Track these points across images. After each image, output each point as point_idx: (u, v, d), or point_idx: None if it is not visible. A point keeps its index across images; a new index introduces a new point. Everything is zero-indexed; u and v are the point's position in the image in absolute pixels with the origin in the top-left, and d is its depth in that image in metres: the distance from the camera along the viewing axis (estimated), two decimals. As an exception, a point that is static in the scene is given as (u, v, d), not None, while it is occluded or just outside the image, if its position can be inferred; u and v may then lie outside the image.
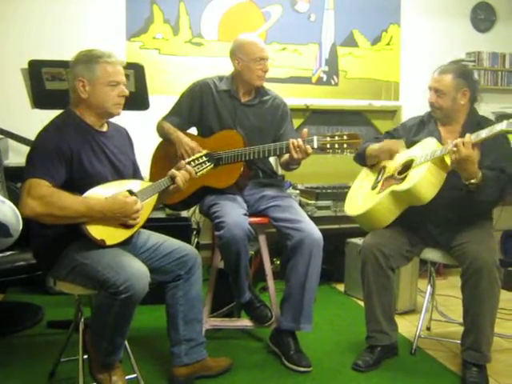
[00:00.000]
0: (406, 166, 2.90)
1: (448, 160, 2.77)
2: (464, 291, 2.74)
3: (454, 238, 2.85)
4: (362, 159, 3.18)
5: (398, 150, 2.98)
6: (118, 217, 2.32)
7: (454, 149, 2.55)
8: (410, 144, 3.00)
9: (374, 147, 3.09)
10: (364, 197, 3.04)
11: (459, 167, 2.60)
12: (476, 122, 2.89)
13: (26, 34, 4.46)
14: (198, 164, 2.65)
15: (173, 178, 2.53)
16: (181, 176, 2.54)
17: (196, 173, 2.61)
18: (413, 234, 2.96)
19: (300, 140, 2.81)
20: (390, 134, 3.18)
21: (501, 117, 5.22)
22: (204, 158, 2.68)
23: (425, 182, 2.72)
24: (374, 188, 3.01)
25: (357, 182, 3.23)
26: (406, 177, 2.83)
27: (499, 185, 2.71)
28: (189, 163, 2.62)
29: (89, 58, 2.39)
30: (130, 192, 2.41)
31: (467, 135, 2.56)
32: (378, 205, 2.88)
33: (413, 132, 3.06)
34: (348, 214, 3.10)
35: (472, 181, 2.61)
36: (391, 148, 3.01)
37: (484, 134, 2.53)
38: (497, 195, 2.74)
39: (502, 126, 2.45)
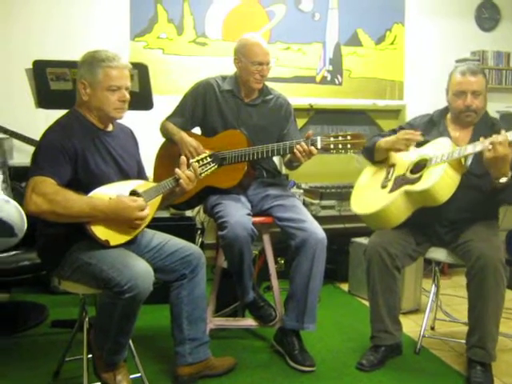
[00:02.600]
0: (419, 166, 2.87)
1: (463, 161, 2.75)
2: (469, 289, 2.73)
3: (459, 237, 2.85)
4: (370, 154, 3.14)
5: (416, 140, 2.90)
6: (121, 219, 2.32)
7: (490, 147, 2.51)
8: (419, 143, 2.97)
9: (387, 139, 3.03)
10: (374, 196, 3.00)
11: (492, 165, 2.57)
12: (490, 124, 2.88)
13: (31, 34, 4.47)
14: (203, 165, 2.63)
15: (177, 180, 2.54)
16: (185, 177, 2.53)
17: (200, 173, 2.61)
18: (419, 233, 2.95)
19: (304, 144, 2.80)
20: (396, 132, 3.12)
21: (505, 116, 5.22)
22: (208, 159, 2.67)
23: (442, 183, 2.70)
24: (384, 187, 2.97)
25: (362, 180, 3.20)
26: (420, 176, 2.81)
27: None
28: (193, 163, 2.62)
29: (92, 61, 2.39)
30: (135, 192, 2.41)
31: (503, 132, 2.52)
32: (391, 204, 2.84)
33: (421, 131, 3.00)
34: (356, 212, 3.05)
35: (501, 180, 2.59)
36: (410, 138, 2.92)
37: None
38: None
39: None
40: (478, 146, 2.61)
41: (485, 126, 2.83)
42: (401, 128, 3.14)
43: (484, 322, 2.68)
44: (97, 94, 2.40)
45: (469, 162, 2.80)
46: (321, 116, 5.04)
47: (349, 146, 2.77)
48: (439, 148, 2.83)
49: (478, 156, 2.71)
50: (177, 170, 2.54)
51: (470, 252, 2.72)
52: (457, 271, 4.54)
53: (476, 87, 2.82)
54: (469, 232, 2.82)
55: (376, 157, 3.12)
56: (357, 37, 5.26)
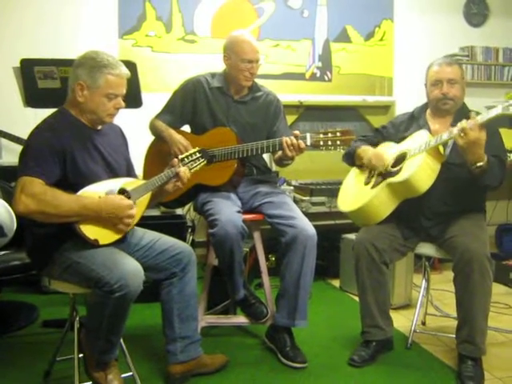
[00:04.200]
0: (399, 160, 2.91)
1: (442, 150, 2.78)
2: (456, 284, 2.75)
3: (445, 231, 2.87)
4: (350, 159, 3.18)
5: (378, 168, 2.96)
6: (110, 217, 2.31)
7: (462, 134, 2.54)
8: (400, 140, 3.02)
9: (364, 154, 3.05)
10: (358, 192, 3.04)
11: (467, 151, 2.58)
12: (468, 115, 2.90)
13: (21, 33, 4.44)
14: (192, 160, 2.64)
15: (172, 177, 2.54)
16: (184, 170, 2.55)
17: (190, 169, 2.61)
18: (405, 228, 2.97)
19: (293, 138, 2.81)
20: (379, 132, 3.19)
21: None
22: (197, 155, 2.67)
23: (421, 172, 2.73)
24: (367, 183, 3.02)
25: (348, 179, 3.24)
26: (400, 169, 2.84)
27: (501, 170, 2.73)
28: (182, 160, 2.62)
29: (94, 65, 2.36)
30: (123, 191, 2.40)
31: (472, 117, 2.55)
32: (373, 198, 2.88)
33: (403, 128, 3.07)
34: (342, 210, 3.11)
35: (478, 164, 2.60)
36: (374, 166, 2.97)
37: (491, 114, 2.52)
38: (499, 180, 2.75)
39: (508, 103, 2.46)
40: (453, 132, 2.64)
41: (462, 117, 2.84)
42: (383, 127, 3.20)
43: (472, 317, 2.69)
44: (94, 98, 2.38)
45: (448, 150, 2.84)
46: (310, 113, 5.04)
47: (338, 142, 2.79)
48: (417, 140, 2.88)
49: (457, 146, 2.75)
50: (179, 169, 2.55)
51: (455, 247, 2.75)
52: (447, 266, 4.54)
53: (452, 76, 2.89)
54: (455, 227, 2.84)
55: (356, 162, 3.15)
56: (346, 33, 5.26)
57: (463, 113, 2.92)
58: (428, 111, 3.05)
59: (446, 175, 2.79)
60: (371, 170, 3.05)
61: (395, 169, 2.88)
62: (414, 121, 3.07)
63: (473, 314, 2.69)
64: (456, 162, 2.79)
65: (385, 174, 2.92)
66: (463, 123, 2.56)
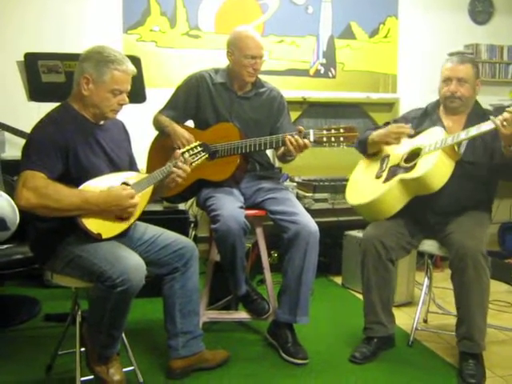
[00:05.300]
0: (413, 155, 2.89)
1: (457, 148, 2.78)
2: (453, 281, 2.75)
3: (445, 227, 2.86)
4: (363, 147, 3.15)
5: (406, 133, 2.94)
6: (113, 209, 2.32)
7: (504, 123, 2.52)
8: (412, 135, 2.99)
9: (379, 132, 3.04)
10: (369, 186, 3.02)
11: (508, 138, 2.56)
12: (481, 114, 2.90)
13: (25, 27, 4.44)
14: (193, 154, 2.63)
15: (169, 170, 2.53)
16: (176, 169, 2.53)
17: (191, 163, 2.60)
18: (413, 225, 2.96)
19: (296, 135, 2.80)
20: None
21: (498, 109, 5.22)
22: (199, 148, 2.66)
23: (436, 170, 2.73)
24: (378, 177, 3.00)
25: (357, 172, 3.22)
26: (415, 165, 2.83)
27: None
28: (183, 153, 2.61)
29: (101, 59, 2.36)
30: (125, 184, 2.40)
31: (507, 109, 2.54)
32: (386, 193, 2.87)
33: (415, 123, 3.05)
34: (351, 203, 3.08)
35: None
36: (400, 131, 2.94)
37: None
38: None
39: None
40: (470, 132, 2.64)
41: (477, 116, 2.85)
42: (394, 121, 3.17)
43: (470, 313, 2.69)
44: (99, 93, 2.38)
45: (462, 149, 2.83)
46: (314, 109, 5.04)
47: (341, 138, 2.78)
48: (432, 137, 2.85)
49: (472, 143, 2.73)
50: (170, 164, 2.53)
51: (451, 244, 2.75)
52: (450, 264, 4.54)
53: (462, 74, 2.87)
54: (454, 224, 2.83)
55: (369, 149, 3.13)
56: (350, 30, 5.25)
57: (478, 113, 2.91)
58: (441, 107, 3.03)
59: (460, 173, 2.79)
60: (383, 163, 3.03)
61: (409, 164, 2.87)
62: (427, 117, 3.04)
63: (470, 311, 2.69)
64: (470, 160, 2.79)
65: (397, 169, 2.90)
66: (504, 114, 2.53)
